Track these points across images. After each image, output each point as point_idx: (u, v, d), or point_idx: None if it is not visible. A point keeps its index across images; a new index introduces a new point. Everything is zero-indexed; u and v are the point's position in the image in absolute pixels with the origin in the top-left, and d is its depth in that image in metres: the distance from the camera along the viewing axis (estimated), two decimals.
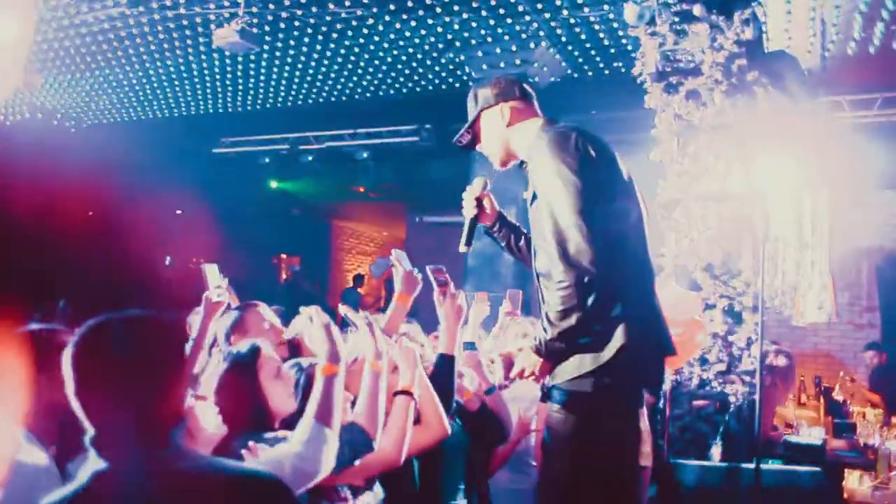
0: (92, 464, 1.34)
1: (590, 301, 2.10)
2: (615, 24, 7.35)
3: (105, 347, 1.41)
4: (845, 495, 3.92)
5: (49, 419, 2.11)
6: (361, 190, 12.14)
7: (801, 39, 7.17)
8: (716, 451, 4.26)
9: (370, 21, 7.61)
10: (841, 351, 7.87)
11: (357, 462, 2.09)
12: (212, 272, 2.63)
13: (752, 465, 3.82)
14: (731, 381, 4.28)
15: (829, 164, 6.42)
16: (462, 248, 2.51)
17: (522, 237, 2.62)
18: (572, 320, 2.10)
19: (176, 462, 1.38)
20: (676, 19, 5.46)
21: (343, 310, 2.51)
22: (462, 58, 8.47)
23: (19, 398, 1.89)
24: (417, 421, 2.46)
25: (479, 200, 2.56)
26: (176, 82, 9.70)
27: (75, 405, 1.38)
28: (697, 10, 5.29)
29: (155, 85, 9.85)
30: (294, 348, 3.03)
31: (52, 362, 2.14)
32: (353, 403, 2.22)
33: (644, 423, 2.41)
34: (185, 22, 7.80)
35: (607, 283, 2.12)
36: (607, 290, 2.12)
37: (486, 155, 2.54)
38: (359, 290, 13.31)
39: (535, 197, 2.31)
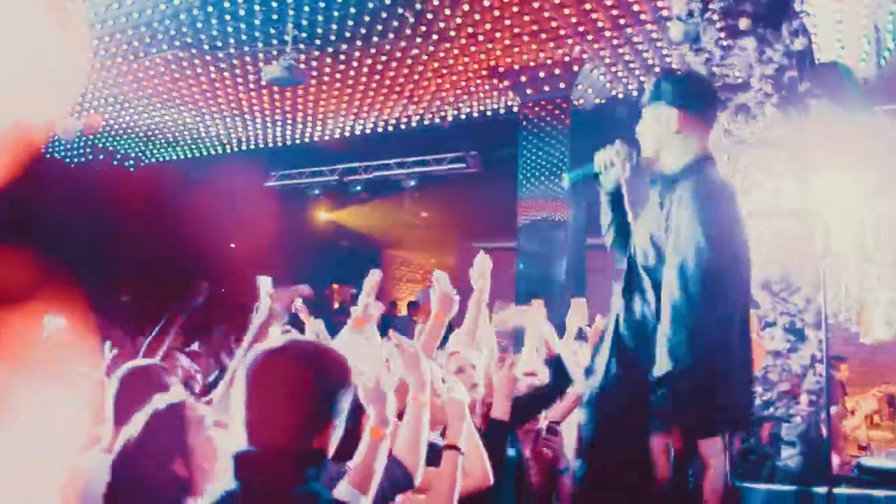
0: (221, 483, 1.37)
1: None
2: (659, 44, 7.30)
3: (285, 373, 1.42)
4: None
5: None
6: (410, 218, 12.24)
7: (854, 48, 6.99)
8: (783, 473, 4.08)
9: (413, 52, 7.72)
10: None
11: (398, 498, 2.04)
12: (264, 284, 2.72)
13: (823, 490, 3.65)
14: (797, 401, 4.12)
15: (889, 176, 6.21)
16: (565, 181, 2.58)
17: (623, 224, 2.51)
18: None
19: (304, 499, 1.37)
20: (722, 35, 5.38)
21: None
22: (506, 83, 8.51)
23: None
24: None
25: (611, 162, 2.39)
26: (227, 119, 9.99)
27: (239, 414, 1.40)
28: (744, 23, 5.21)
29: (208, 122, 10.15)
30: None
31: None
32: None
33: None
34: (234, 61, 8.03)
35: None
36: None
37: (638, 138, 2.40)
38: (414, 318, 13.22)
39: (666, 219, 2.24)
